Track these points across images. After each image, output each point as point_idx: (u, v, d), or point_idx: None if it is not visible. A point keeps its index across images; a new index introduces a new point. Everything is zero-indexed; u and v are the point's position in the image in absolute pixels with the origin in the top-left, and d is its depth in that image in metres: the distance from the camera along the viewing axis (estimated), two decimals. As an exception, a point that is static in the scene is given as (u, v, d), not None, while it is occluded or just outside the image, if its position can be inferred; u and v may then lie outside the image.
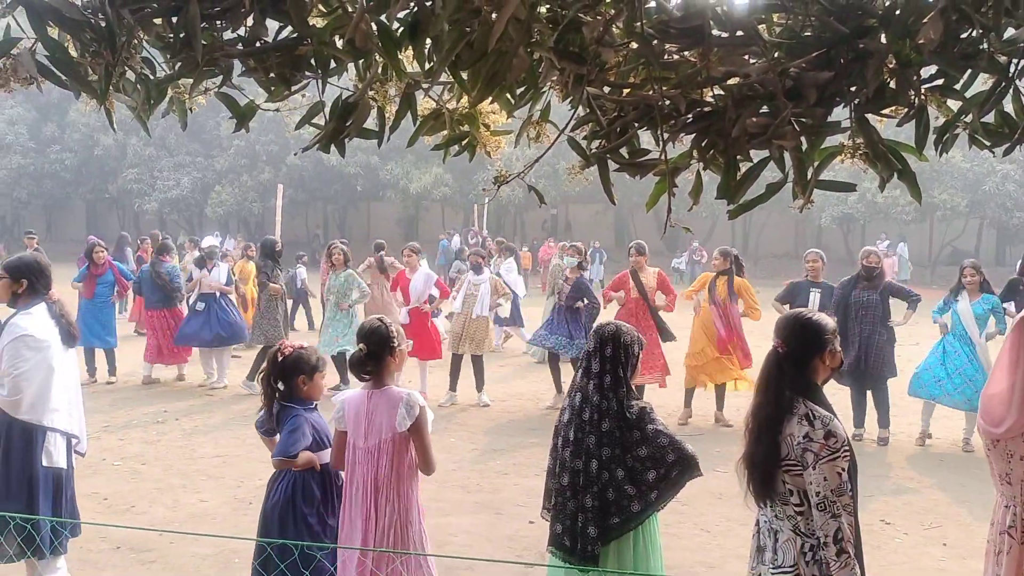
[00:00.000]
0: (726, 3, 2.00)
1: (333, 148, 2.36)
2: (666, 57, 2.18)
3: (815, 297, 8.15)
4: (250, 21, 2.18)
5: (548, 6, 2.19)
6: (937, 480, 6.98)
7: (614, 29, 2.18)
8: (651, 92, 2.14)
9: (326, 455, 3.76)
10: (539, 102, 2.50)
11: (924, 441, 8.03)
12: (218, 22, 2.21)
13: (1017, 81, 2.04)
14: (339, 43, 2.19)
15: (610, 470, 3.50)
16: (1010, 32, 1.99)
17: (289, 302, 11.17)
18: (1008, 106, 2.14)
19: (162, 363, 10.44)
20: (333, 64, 2.28)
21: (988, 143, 2.16)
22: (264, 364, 3.90)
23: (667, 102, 2.12)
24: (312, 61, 2.23)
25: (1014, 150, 2.17)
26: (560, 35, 2.11)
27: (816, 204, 29.01)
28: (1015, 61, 1.99)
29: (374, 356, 3.59)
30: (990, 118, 2.15)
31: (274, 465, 3.78)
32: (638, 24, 2.01)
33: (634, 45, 2.18)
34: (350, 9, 2.15)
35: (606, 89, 2.28)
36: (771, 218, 32.45)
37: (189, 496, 6.20)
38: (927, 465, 7.44)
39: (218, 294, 10.34)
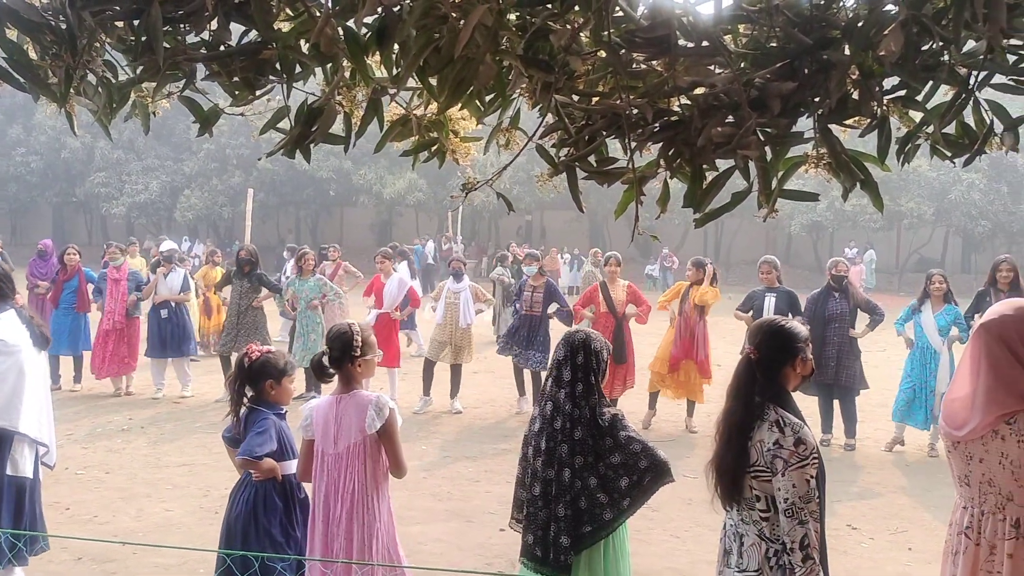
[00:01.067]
0: (692, 14, 2.01)
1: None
2: (634, 66, 2.18)
3: (770, 302, 8.24)
4: (214, 25, 2.16)
5: (517, 13, 2.19)
6: (903, 485, 7.07)
7: (582, 38, 2.18)
8: (619, 101, 2.14)
9: (289, 466, 3.72)
10: (508, 109, 2.49)
11: (893, 447, 8.14)
12: (181, 25, 2.19)
13: (977, 93, 2.07)
14: (304, 48, 2.17)
15: (583, 478, 3.49)
16: (970, 45, 2.02)
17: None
18: (968, 117, 2.18)
19: (106, 376, 9.98)
20: (299, 68, 2.26)
21: (949, 153, 2.19)
22: (231, 369, 3.88)
23: (634, 111, 2.13)
24: (277, 65, 2.21)
25: (974, 160, 2.20)
26: (528, 43, 2.11)
27: (786, 212, 29.45)
28: (975, 73, 2.02)
29: (335, 361, 3.57)
30: (951, 129, 2.18)
31: (238, 465, 3.74)
32: (605, 33, 2.02)
33: (602, 54, 2.18)
34: (316, 14, 2.14)
35: (575, 97, 2.28)
36: (742, 225, 32.79)
37: (154, 505, 6.11)
38: (893, 470, 7.53)
39: (173, 303, 10.07)
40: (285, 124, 2.36)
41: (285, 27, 2.22)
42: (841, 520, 6.04)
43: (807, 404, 7.98)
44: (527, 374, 9.38)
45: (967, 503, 2.69)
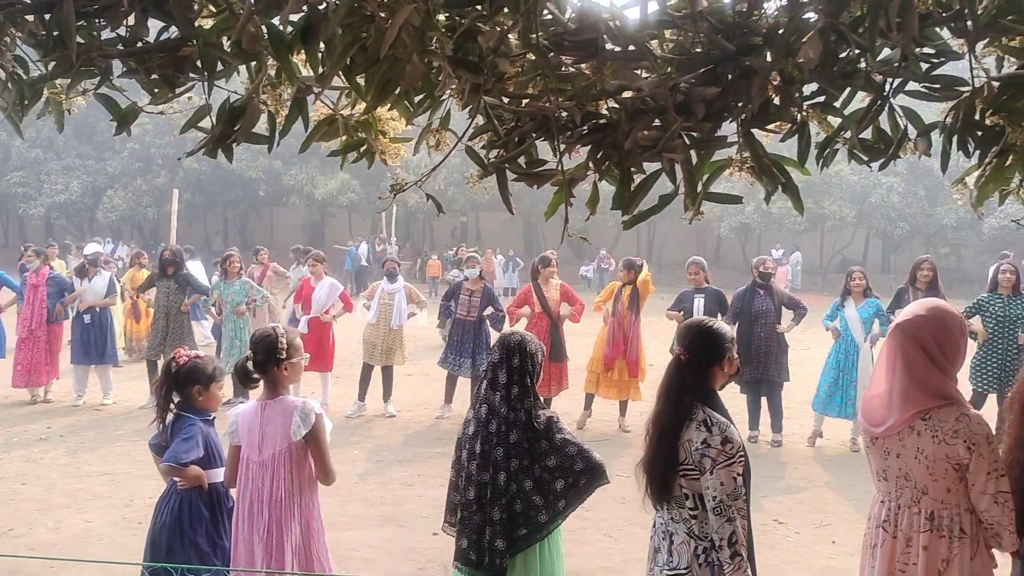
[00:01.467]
0: (619, 18, 2.03)
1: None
2: (562, 69, 2.19)
3: (699, 303, 8.47)
4: (131, 20, 2.09)
5: (446, 14, 2.18)
6: (827, 479, 7.27)
7: (511, 40, 2.18)
8: (547, 103, 2.15)
9: (216, 474, 3.63)
10: (438, 110, 2.48)
11: (815, 442, 8.37)
12: (96, 20, 2.11)
13: (892, 99, 2.14)
14: (226, 45, 2.12)
15: (518, 481, 3.48)
16: (885, 53, 2.08)
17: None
18: (884, 123, 2.25)
19: (24, 386, 9.58)
20: (221, 66, 2.20)
21: (866, 158, 2.26)
22: (158, 374, 3.77)
23: (563, 114, 2.14)
24: (198, 63, 2.15)
25: (889, 164, 2.27)
26: (458, 44, 2.10)
27: (714, 214, 30.16)
28: (890, 80, 2.09)
29: (260, 365, 3.49)
30: (868, 134, 2.25)
31: (162, 472, 3.63)
32: (534, 36, 2.02)
33: (531, 56, 2.18)
34: (239, 11, 2.09)
35: (504, 99, 2.28)
36: (673, 227, 33.34)
37: (73, 517, 5.89)
38: (818, 465, 7.74)
39: (97, 308, 9.72)
40: (208, 123, 2.30)
41: (206, 24, 2.16)
42: (768, 515, 6.18)
43: (735, 402, 8.18)
44: (461, 380, 9.33)
45: (885, 497, 2.78)
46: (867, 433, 2.81)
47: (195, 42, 2.07)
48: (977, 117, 2.25)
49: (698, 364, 2.91)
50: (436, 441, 8.22)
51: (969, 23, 1.96)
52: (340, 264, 25.81)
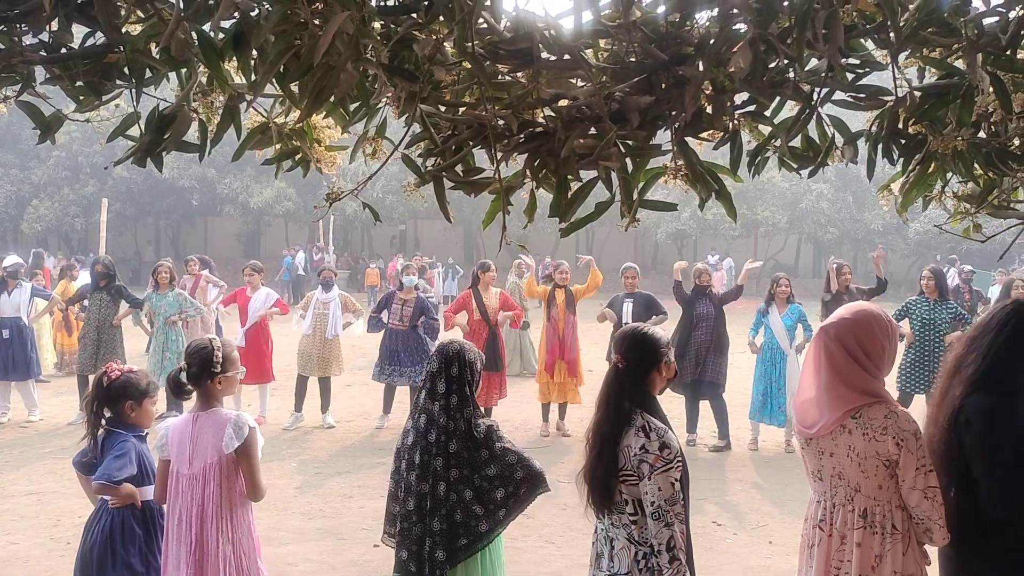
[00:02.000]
0: (554, 27, 2.04)
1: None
2: (498, 78, 2.19)
3: (628, 307, 8.61)
4: (54, 25, 2.02)
5: (382, 22, 2.16)
6: (763, 481, 7.42)
7: (447, 48, 2.18)
8: (484, 112, 2.15)
9: (149, 491, 3.53)
10: (375, 118, 2.46)
11: (756, 445, 8.52)
12: (17, 25, 2.04)
13: (819, 108, 2.20)
14: (155, 51, 2.07)
15: (458, 491, 3.45)
16: (812, 63, 2.14)
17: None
18: (813, 132, 2.31)
19: None
20: (150, 73, 2.15)
21: (795, 166, 2.31)
22: (88, 389, 3.66)
23: (500, 122, 2.14)
24: (125, 69, 2.09)
25: (818, 171, 2.33)
26: (393, 52, 2.09)
27: (652, 221, 30.60)
28: (817, 90, 2.15)
29: (193, 377, 3.41)
30: (797, 142, 2.30)
31: (95, 490, 3.51)
32: (469, 44, 2.02)
33: (467, 65, 2.18)
34: (167, 16, 2.04)
35: (440, 107, 2.27)
36: (612, 234, 33.74)
37: (-3, 539, 5.66)
38: (754, 467, 7.89)
39: (26, 319, 9.40)
40: (136, 131, 2.24)
41: (134, 30, 2.11)
42: (706, 517, 6.27)
43: (674, 405, 8.29)
44: (400, 391, 9.25)
45: (820, 497, 2.84)
46: (801, 435, 2.87)
47: (122, 48, 2.01)
48: (901, 126, 2.33)
49: (636, 370, 2.93)
50: (375, 452, 8.13)
51: (892, 35, 2.03)
52: (274, 274, 25.38)
